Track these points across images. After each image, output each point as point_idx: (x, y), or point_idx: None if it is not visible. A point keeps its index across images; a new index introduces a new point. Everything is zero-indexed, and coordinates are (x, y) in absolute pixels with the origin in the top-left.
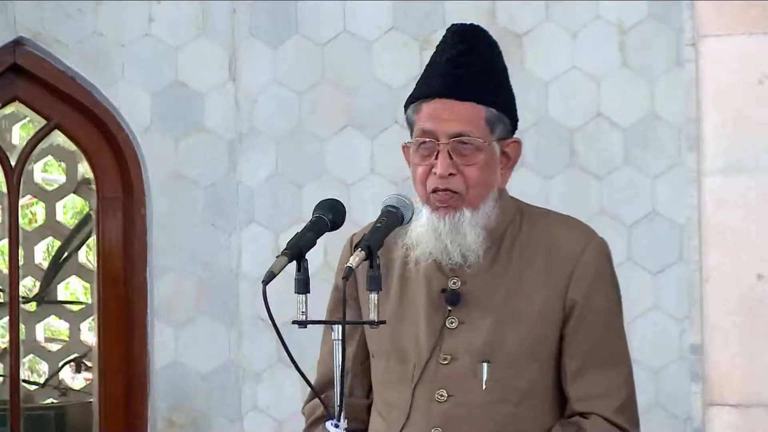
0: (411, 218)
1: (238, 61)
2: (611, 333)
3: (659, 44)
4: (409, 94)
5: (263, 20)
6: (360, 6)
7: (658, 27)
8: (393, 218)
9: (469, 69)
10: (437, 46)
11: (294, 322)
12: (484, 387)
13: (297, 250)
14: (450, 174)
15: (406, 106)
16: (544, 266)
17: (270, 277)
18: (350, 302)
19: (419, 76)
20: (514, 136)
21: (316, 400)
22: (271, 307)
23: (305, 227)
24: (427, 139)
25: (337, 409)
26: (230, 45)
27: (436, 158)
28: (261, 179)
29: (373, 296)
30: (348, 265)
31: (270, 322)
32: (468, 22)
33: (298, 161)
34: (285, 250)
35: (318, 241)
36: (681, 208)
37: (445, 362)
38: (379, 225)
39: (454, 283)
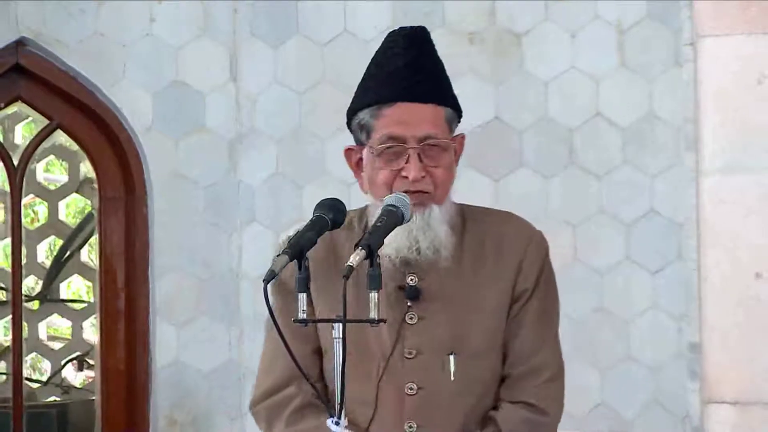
0: (411, 217)
1: (239, 61)
2: (544, 322)
3: (658, 44)
4: None
5: (264, 20)
6: (360, 6)
7: (656, 27)
8: (393, 217)
9: (426, 72)
10: (384, 50)
11: (295, 321)
12: (452, 378)
13: (298, 249)
14: (421, 177)
15: (355, 111)
16: (494, 260)
17: (271, 275)
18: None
19: (364, 80)
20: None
21: (274, 399)
22: (272, 305)
23: (306, 226)
24: (395, 144)
25: (337, 407)
26: (231, 45)
27: (407, 162)
28: (261, 179)
29: (374, 295)
30: (349, 263)
31: (271, 320)
32: (416, 25)
33: (298, 161)
34: (286, 248)
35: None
36: (679, 207)
37: (411, 356)
38: (379, 224)
39: (412, 279)
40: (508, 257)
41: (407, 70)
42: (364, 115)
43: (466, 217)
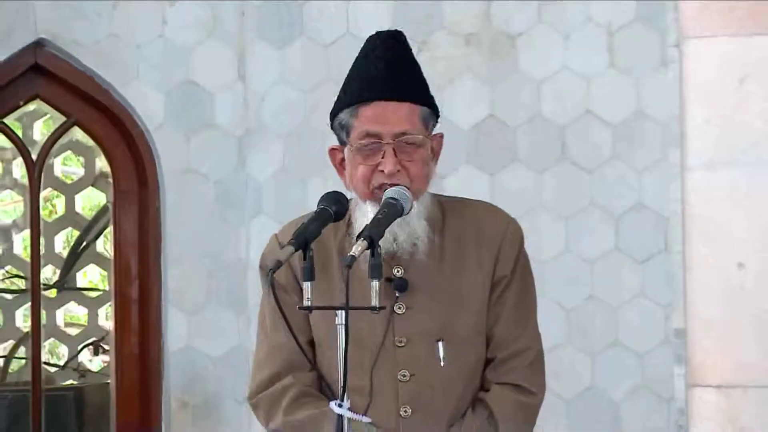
0: (410, 209)
1: (247, 62)
2: (523, 306)
3: (645, 46)
4: None
5: (270, 22)
6: (362, 9)
7: (644, 29)
8: (393, 210)
9: (402, 72)
10: (365, 53)
11: (300, 308)
12: (442, 364)
13: (302, 240)
14: (397, 170)
15: (337, 112)
16: (475, 248)
17: (277, 265)
18: (290, 292)
19: (345, 83)
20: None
21: (272, 389)
22: (278, 294)
23: (310, 218)
24: (372, 141)
25: (340, 390)
26: (239, 46)
27: (383, 157)
28: (268, 173)
29: (375, 283)
30: (351, 254)
31: (277, 308)
32: (392, 29)
33: (303, 156)
34: (291, 239)
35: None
36: (666, 200)
37: (402, 345)
38: (380, 216)
39: (398, 271)
40: (487, 246)
41: (384, 70)
42: (344, 115)
43: (445, 208)
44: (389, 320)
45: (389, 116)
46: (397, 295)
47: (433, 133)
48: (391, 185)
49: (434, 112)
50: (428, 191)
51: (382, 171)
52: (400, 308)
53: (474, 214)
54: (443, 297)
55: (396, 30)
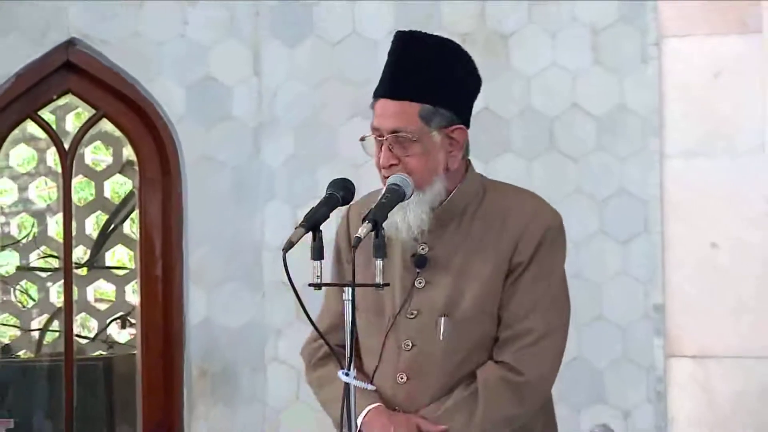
0: (411, 194)
1: (261, 59)
2: (537, 289)
3: (627, 44)
4: None
5: (283, 22)
6: (366, 10)
7: (626, 28)
8: (395, 194)
9: (404, 71)
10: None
11: (310, 285)
12: (441, 338)
13: (313, 222)
14: (392, 164)
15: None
16: (498, 232)
17: (289, 245)
18: (344, 264)
19: None
20: (470, 121)
21: (314, 345)
22: (290, 271)
23: (319, 203)
24: (375, 135)
25: (347, 359)
26: (254, 44)
27: (380, 150)
28: (281, 161)
29: (379, 262)
30: (357, 235)
31: (289, 284)
32: (410, 29)
33: (313, 146)
34: (302, 222)
35: (330, 214)
36: (646, 186)
37: (412, 316)
38: (384, 201)
39: (423, 248)
40: (510, 231)
41: (388, 69)
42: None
43: (487, 190)
44: (409, 293)
45: (386, 113)
46: (417, 270)
47: (454, 126)
48: (388, 177)
49: (449, 106)
50: (441, 180)
51: None
52: (420, 283)
53: (508, 200)
54: (455, 275)
55: (412, 30)
